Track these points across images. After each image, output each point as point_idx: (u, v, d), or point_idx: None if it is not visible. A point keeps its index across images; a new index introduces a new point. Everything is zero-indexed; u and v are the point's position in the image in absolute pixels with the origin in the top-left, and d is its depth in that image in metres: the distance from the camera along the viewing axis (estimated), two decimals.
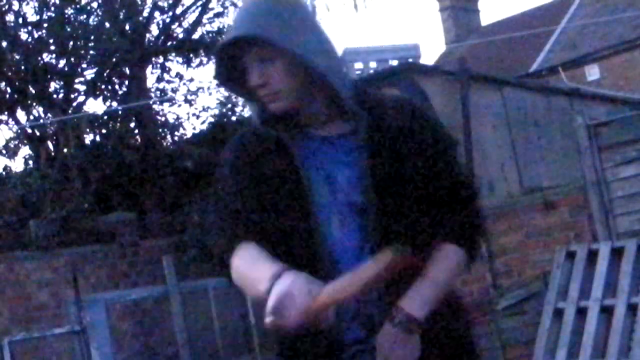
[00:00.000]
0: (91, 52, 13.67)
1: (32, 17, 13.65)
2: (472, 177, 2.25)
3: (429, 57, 42.00)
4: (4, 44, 13.17)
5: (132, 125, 14.32)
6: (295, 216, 2.06)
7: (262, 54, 2.04)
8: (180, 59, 14.65)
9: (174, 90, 14.88)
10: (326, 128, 2.12)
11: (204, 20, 14.82)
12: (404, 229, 2.06)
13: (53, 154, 13.46)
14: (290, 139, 2.10)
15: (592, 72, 18.68)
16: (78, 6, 13.81)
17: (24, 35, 13.55)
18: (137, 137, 14.19)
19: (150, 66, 14.57)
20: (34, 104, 13.78)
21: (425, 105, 2.28)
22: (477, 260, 2.22)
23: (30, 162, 13.61)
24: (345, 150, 2.09)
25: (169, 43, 14.53)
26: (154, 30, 14.59)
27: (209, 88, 15.00)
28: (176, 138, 14.67)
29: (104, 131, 13.99)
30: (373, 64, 13.51)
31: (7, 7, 13.56)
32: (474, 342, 2.21)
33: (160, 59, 14.61)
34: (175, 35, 14.66)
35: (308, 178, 2.07)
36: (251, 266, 2.04)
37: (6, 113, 13.81)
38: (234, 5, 14.98)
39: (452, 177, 2.16)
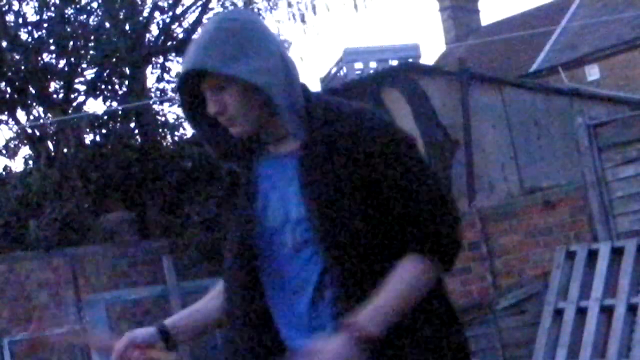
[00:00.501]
0: (91, 52, 13.68)
1: (32, 17, 13.67)
2: (441, 180, 2.16)
3: (429, 57, 42.02)
4: (4, 44, 13.18)
5: (132, 125, 14.32)
6: (246, 240, 2.13)
7: (213, 84, 2.09)
8: (180, 59, 14.65)
9: (174, 90, 14.88)
10: (280, 146, 2.15)
11: (204, 20, 14.82)
12: (348, 239, 2.03)
13: (53, 154, 13.46)
14: (247, 163, 2.17)
15: (592, 72, 18.67)
16: (78, 6, 13.82)
17: (24, 35, 13.55)
18: (137, 137, 14.19)
19: (150, 66, 14.58)
20: (34, 104, 13.78)
21: (381, 112, 2.20)
22: (452, 269, 2.12)
23: (30, 162, 13.61)
24: (291, 168, 2.11)
25: (169, 43, 14.54)
26: (154, 30, 14.61)
27: None
28: (176, 138, 14.68)
29: (104, 131, 13.99)
30: (373, 64, 13.52)
31: (7, 7, 13.56)
32: (466, 347, 2.16)
33: (160, 59, 14.61)
34: (175, 35, 14.67)
35: (266, 198, 2.13)
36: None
37: (6, 113, 13.81)
38: (234, 5, 14.99)
39: (411, 182, 2.07)
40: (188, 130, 14.75)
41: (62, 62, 13.76)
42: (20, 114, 13.91)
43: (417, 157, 2.10)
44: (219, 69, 2.05)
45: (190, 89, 2.15)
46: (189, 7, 14.69)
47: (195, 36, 2.07)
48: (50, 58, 13.73)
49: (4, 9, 13.47)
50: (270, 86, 2.06)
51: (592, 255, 7.25)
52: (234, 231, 2.16)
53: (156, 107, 14.71)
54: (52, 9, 13.56)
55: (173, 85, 14.83)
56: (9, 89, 13.66)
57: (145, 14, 14.41)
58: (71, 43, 13.46)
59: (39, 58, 13.38)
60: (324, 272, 2.05)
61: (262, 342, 2.10)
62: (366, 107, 2.15)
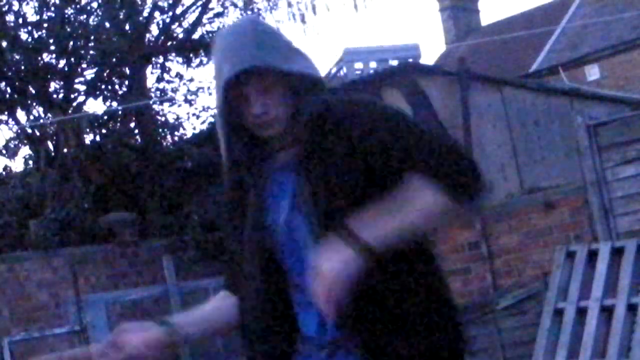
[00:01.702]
0: (91, 52, 13.68)
1: (32, 17, 13.67)
2: (454, 140, 2.07)
3: (429, 57, 42.00)
4: (4, 44, 13.17)
5: (132, 125, 14.32)
6: (257, 249, 2.12)
7: (263, 84, 2.07)
8: (180, 59, 14.66)
9: (174, 90, 14.89)
10: (279, 157, 2.15)
11: (204, 20, 14.83)
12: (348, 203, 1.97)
13: (53, 154, 13.46)
14: (258, 170, 2.15)
15: (592, 72, 18.68)
16: (78, 6, 13.82)
17: (24, 35, 13.55)
18: (137, 137, 14.19)
19: (150, 66, 14.58)
20: (34, 104, 13.78)
21: (377, 100, 2.18)
22: (466, 204, 1.97)
23: (30, 162, 13.61)
24: (290, 174, 2.11)
25: (169, 43, 14.54)
26: (154, 30, 14.61)
27: (209, 88, 15.01)
28: (176, 138, 14.68)
29: (104, 131, 13.99)
30: (373, 64, 13.51)
31: (7, 7, 13.56)
32: (449, 297, 2.07)
33: (160, 59, 14.61)
34: (175, 35, 14.67)
35: (269, 209, 2.12)
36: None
37: (6, 113, 13.81)
38: (234, 5, 15.00)
39: (413, 141, 1.99)
40: (188, 130, 14.77)
41: (62, 62, 13.76)
42: (20, 114, 13.92)
43: (409, 122, 2.04)
44: (281, 67, 2.05)
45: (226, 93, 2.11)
46: (189, 7, 14.69)
47: (221, 40, 2.03)
48: (50, 58, 13.73)
49: (4, 9, 13.47)
50: (323, 79, 2.10)
51: (592, 255, 7.25)
52: (248, 234, 2.15)
53: (156, 107, 14.72)
54: (52, 9, 13.56)
55: (173, 85, 14.84)
56: (9, 89, 13.66)
57: (145, 14, 14.41)
58: (71, 43, 13.45)
59: (39, 58, 13.38)
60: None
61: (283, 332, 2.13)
62: (352, 98, 2.13)
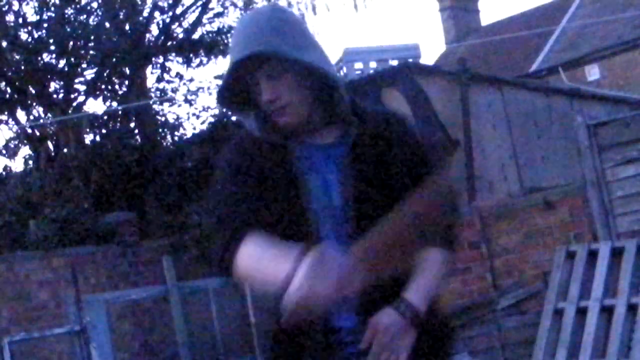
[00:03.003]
0: (91, 52, 13.68)
1: (32, 17, 13.67)
2: (452, 178, 2.31)
3: (429, 57, 42.02)
4: (4, 44, 13.17)
5: (132, 125, 14.32)
6: (293, 218, 2.13)
7: (272, 70, 2.13)
8: (180, 59, 14.65)
9: (174, 90, 14.89)
10: (318, 136, 2.21)
11: (204, 20, 14.83)
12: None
13: (53, 154, 13.46)
14: (287, 145, 2.19)
15: (592, 72, 18.68)
16: (78, 6, 13.82)
17: (24, 35, 13.55)
18: (137, 137, 14.18)
19: (150, 66, 14.58)
20: (34, 104, 13.78)
21: (409, 116, 2.48)
22: (457, 248, 2.30)
23: (30, 162, 13.61)
24: (337, 157, 2.18)
25: (169, 43, 14.53)
26: (154, 30, 14.60)
27: (209, 88, 14.99)
28: (176, 138, 14.67)
29: (104, 131, 13.99)
30: (373, 64, 13.50)
31: (7, 7, 13.56)
32: (451, 344, 2.27)
33: (160, 59, 14.61)
34: (175, 35, 14.66)
35: (308, 182, 2.15)
36: (263, 256, 2.02)
37: (6, 113, 13.81)
38: (234, 5, 14.99)
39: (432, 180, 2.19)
40: (188, 130, 14.77)
41: (62, 62, 13.75)
42: (20, 114, 13.93)
43: (439, 159, 2.31)
44: (291, 54, 2.10)
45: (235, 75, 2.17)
46: (189, 7, 14.69)
47: (239, 24, 2.10)
48: (50, 58, 13.73)
49: (4, 9, 13.47)
50: (334, 75, 2.15)
51: (592, 255, 7.25)
52: (274, 208, 2.14)
53: (156, 107, 14.71)
54: (52, 9, 13.56)
55: (173, 85, 14.84)
56: (9, 89, 13.66)
57: (145, 14, 14.42)
58: (71, 43, 13.45)
59: (39, 58, 13.38)
60: None
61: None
62: (398, 113, 2.32)
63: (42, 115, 13.88)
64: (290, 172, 2.15)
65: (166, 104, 14.88)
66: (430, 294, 2.13)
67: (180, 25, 14.77)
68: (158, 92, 14.83)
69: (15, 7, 13.65)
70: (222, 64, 15.57)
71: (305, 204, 2.13)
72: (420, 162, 2.21)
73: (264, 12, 2.17)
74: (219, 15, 14.92)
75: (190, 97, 14.76)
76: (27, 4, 13.71)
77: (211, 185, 2.30)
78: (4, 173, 13.75)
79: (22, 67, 13.26)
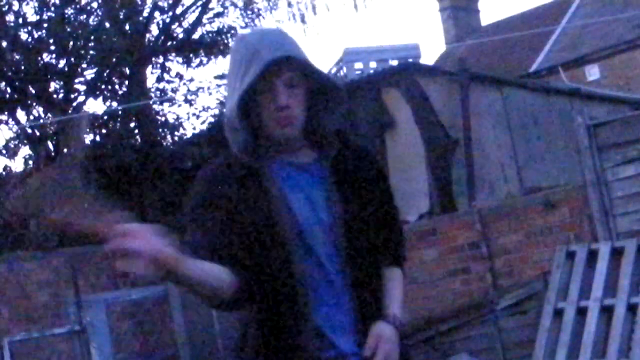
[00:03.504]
0: (91, 52, 13.67)
1: (32, 17, 13.65)
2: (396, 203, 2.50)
3: (429, 57, 42.01)
4: (4, 44, 13.17)
5: (132, 125, 14.31)
6: (275, 238, 2.19)
7: (291, 79, 2.20)
8: (180, 59, 14.65)
9: (174, 90, 14.88)
10: (296, 156, 2.27)
11: (204, 20, 14.82)
12: (365, 244, 2.26)
13: (53, 154, 13.45)
14: (265, 166, 2.25)
15: (592, 72, 18.68)
16: (78, 6, 13.81)
17: (24, 35, 13.54)
18: (137, 137, 14.18)
19: (150, 66, 14.56)
20: (34, 104, 13.77)
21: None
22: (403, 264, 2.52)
23: (30, 162, 13.60)
24: (318, 175, 2.26)
25: (169, 43, 14.53)
26: (154, 30, 14.59)
27: (209, 88, 14.99)
28: (176, 138, 14.66)
29: (104, 131, 13.98)
30: (373, 64, 13.51)
31: (7, 7, 13.55)
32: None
33: (160, 59, 14.60)
34: (175, 35, 14.66)
35: (293, 201, 2.21)
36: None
37: (6, 113, 13.80)
38: (234, 5, 14.98)
39: (391, 205, 2.41)
40: (188, 130, 14.76)
41: (62, 62, 13.74)
42: (20, 114, 13.91)
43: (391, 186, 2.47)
44: (313, 64, 2.20)
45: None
46: (189, 7, 14.68)
47: (251, 37, 2.16)
48: (50, 58, 13.72)
49: (4, 9, 13.46)
50: (345, 94, 2.28)
51: (592, 255, 7.25)
52: (248, 222, 2.19)
53: (156, 107, 14.70)
54: (52, 9, 13.55)
55: (173, 85, 14.83)
56: (9, 89, 13.65)
57: (145, 14, 14.40)
58: (71, 43, 13.45)
59: (39, 58, 13.37)
60: (339, 272, 2.22)
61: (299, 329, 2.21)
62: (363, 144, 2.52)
63: (42, 115, 13.88)
64: (269, 193, 2.19)
65: (166, 104, 14.87)
66: (402, 307, 2.34)
67: (180, 25, 14.76)
68: (158, 92, 14.82)
69: (15, 7, 13.65)
70: (222, 64, 15.56)
71: (290, 223, 2.18)
72: (383, 178, 2.38)
73: (275, 29, 2.36)
74: (219, 15, 14.92)
75: (190, 97, 14.76)
76: (27, 4, 13.70)
77: (184, 211, 2.43)
78: (4, 173, 13.74)
79: (22, 67, 13.26)
